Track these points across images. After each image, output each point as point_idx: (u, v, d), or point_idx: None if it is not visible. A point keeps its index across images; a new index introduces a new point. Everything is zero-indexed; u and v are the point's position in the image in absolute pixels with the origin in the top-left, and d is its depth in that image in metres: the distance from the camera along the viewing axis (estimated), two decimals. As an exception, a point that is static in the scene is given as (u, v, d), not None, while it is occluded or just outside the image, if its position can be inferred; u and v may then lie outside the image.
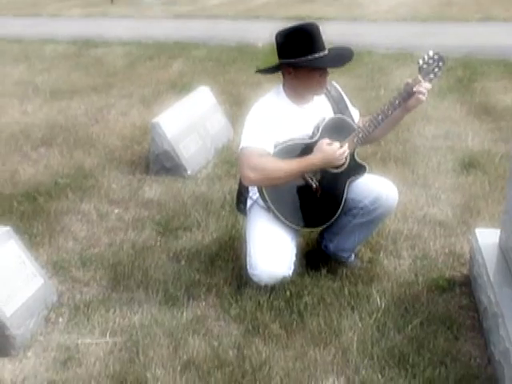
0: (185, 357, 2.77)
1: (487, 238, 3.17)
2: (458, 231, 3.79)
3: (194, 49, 9.32)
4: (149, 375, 2.66)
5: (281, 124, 3.12)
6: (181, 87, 7.12)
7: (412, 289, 3.23)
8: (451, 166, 4.86)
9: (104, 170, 4.82)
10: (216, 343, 2.85)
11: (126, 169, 4.88)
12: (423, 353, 2.72)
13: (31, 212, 4.09)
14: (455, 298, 3.17)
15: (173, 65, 8.59)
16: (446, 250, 3.60)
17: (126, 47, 9.59)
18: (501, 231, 3.06)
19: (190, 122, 5.03)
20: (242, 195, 3.39)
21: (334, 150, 3.07)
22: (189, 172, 4.77)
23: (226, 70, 8.14)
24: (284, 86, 3.22)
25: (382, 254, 3.56)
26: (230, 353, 2.76)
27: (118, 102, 6.73)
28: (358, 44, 9.31)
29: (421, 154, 5.17)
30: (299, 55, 3.02)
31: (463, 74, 7.49)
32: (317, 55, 3.01)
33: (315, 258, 3.43)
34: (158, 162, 4.81)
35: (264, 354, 2.75)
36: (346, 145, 3.13)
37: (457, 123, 5.86)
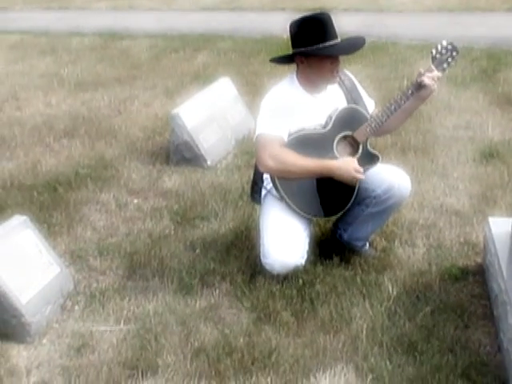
0: (196, 344, 2.81)
1: (500, 226, 3.15)
2: (473, 221, 3.77)
3: (219, 41, 9.34)
4: (160, 362, 2.71)
5: (294, 112, 3.14)
6: (204, 79, 7.13)
7: (424, 277, 3.23)
8: (471, 155, 4.83)
9: (125, 161, 4.87)
10: (228, 331, 2.89)
11: (146, 159, 4.94)
12: (432, 340, 2.73)
13: (51, 202, 4.17)
14: (468, 286, 3.16)
15: (197, 57, 8.63)
16: (461, 240, 3.58)
17: (151, 40, 9.64)
18: (513, 220, 3.05)
19: (210, 113, 5.05)
20: (256, 185, 3.42)
21: (356, 170, 3.10)
22: (209, 162, 4.80)
23: (251, 62, 8.14)
24: (297, 75, 3.23)
25: (396, 243, 3.56)
26: (241, 340, 2.80)
27: (142, 93, 6.79)
28: (383, 35, 9.32)
29: (441, 144, 5.14)
30: (310, 44, 3.04)
31: (487, 65, 7.40)
32: (327, 44, 3.03)
33: (329, 248, 3.44)
34: (178, 153, 4.85)
35: (274, 342, 2.78)
36: (363, 176, 3.14)
37: (479, 113, 5.80)
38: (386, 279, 3.17)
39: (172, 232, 3.83)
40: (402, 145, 5.05)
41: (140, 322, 3.01)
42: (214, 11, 12.39)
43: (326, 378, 2.56)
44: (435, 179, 4.41)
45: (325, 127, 3.20)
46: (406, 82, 6.83)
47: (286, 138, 3.10)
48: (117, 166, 4.75)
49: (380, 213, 3.28)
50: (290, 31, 3.15)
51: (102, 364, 2.74)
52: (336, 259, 3.31)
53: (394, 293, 3.07)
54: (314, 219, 3.36)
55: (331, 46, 3.04)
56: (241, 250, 3.52)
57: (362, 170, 3.12)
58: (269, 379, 2.56)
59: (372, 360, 2.63)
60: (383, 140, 5.14)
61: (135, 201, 4.26)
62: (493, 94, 6.39)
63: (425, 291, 3.10)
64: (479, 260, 3.37)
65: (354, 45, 3.15)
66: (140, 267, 3.47)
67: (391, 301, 3.01)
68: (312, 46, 3.04)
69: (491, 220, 3.26)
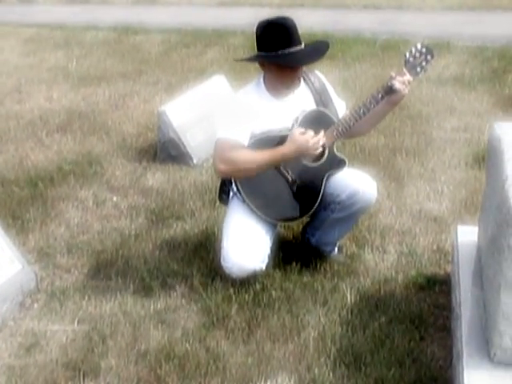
0: (143, 347, 2.78)
1: (467, 235, 3.05)
2: (451, 228, 3.66)
3: (231, 37, 9.27)
4: (103, 365, 2.68)
5: (258, 116, 3.07)
6: (209, 75, 7.09)
7: (388, 285, 3.15)
8: (463, 159, 4.71)
9: (111, 157, 4.86)
10: (179, 334, 2.85)
11: (134, 156, 4.92)
12: (382, 352, 2.66)
13: (30, 197, 4.17)
14: (432, 296, 3.07)
15: (207, 52, 8.58)
16: (434, 247, 3.49)
17: (164, 34, 9.61)
18: (478, 229, 2.95)
19: (199, 111, 5.00)
20: (225, 185, 3.36)
21: (307, 139, 2.99)
22: (195, 161, 4.76)
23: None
24: (263, 77, 3.16)
25: (366, 249, 3.48)
26: (187, 345, 2.75)
27: (144, 89, 6.77)
28: (397, 32, 9.17)
29: (435, 146, 5.03)
30: (271, 49, 2.97)
31: (498, 65, 7.23)
32: (287, 51, 2.95)
33: (296, 252, 3.37)
34: (165, 150, 4.82)
35: (221, 348, 2.74)
36: (322, 133, 3.04)
37: (480, 115, 5.66)
38: (346, 286, 3.10)
39: (144, 231, 3.79)
40: (393, 146, 4.96)
41: (93, 322, 2.99)
42: (232, 6, 12.33)
43: (265, 388, 2.50)
44: (421, 183, 4.32)
45: (290, 130, 3.13)
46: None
47: (245, 142, 3.03)
48: (102, 163, 4.74)
49: (346, 218, 3.21)
50: (256, 33, 3.08)
51: (46, 365, 2.72)
52: (299, 264, 3.24)
53: (352, 301, 3.00)
54: (278, 223, 3.28)
55: (291, 53, 2.95)
56: (208, 252, 3.48)
57: (311, 132, 3.00)
58: (206, 387, 2.51)
59: (316, 371, 2.57)
60: (374, 140, 5.06)
61: (114, 198, 4.25)
62: (498, 96, 6.24)
63: (385, 300, 3.02)
64: (449, 269, 3.28)
65: (315, 53, 3.05)
66: (105, 266, 3.45)
67: (347, 309, 2.94)
68: (273, 51, 2.96)
69: (460, 228, 3.17)
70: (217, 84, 5.42)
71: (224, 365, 2.63)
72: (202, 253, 3.48)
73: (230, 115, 3.13)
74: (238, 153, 2.99)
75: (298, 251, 3.38)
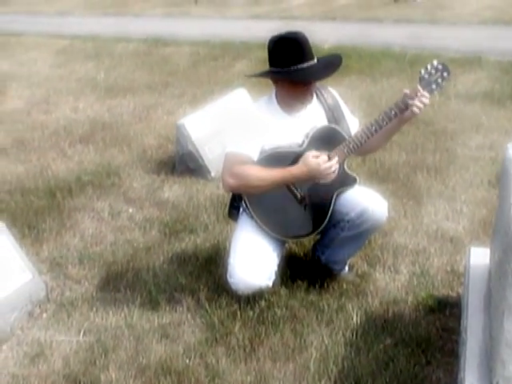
0: (144, 361, 2.77)
1: (480, 257, 2.98)
2: (467, 249, 3.59)
3: (260, 49, 9.28)
4: (103, 378, 2.68)
5: (269, 132, 3.05)
6: (234, 88, 7.10)
7: (397, 307, 3.09)
8: (486, 178, 4.62)
9: (130, 169, 4.89)
10: (180, 349, 2.84)
11: (153, 168, 4.94)
12: (385, 376, 2.60)
13: (47, 207, 4.21)
14: (442, 319, 3.00)
15: (235, 65, 8.62)
16: (448, 268, 3.42)
17: (193, 47, 9.70)
18: (490, 251, 2.88)
19: (219, 125, 5.00)
20: (235, 201, 3.35)
21: (319, 163, 2.95)
22: (212, 174, 4.76)
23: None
24: (276, 92, 3.15)
25: (378, 268, 3.43)
26: (187, 361, 2.73)
27: (168, 101, 6.81)
28: (428, 47, 9.09)
29: (458, 164, 4.95)
30: (284, 65, 2.95)
31: (529, 82, 7.12)
32: (300, 66, 2.92)
33: (305, 269, 3.33)
34: (183, 163, 4.84)
35: (221, 365, 2.71)
36: (336, 158, 3.01)
37: (508, 133, 5.55)
38: (352, 306, 3.05)
39: (156, 244, 3.80)
40: (414, 163, 4.90)
41: (98, 334, 2.99)
42: (263, 19, 12.39)
43: (261, 408, 2.47)
44: (440, 202, 4.25)
45: (301, 146, 3.10)
46: (437, 98, 6.66)
47: (254, 157, 3.01)
48: (120, 174, 4.76)
49: (355, 237, 3.16)
50: (268, 48, 3.06)
51: (48, 375, 2.73)
52: (306, 282, 3.20)
53: (358, 321, 2.95)
54: (286, 240, 3.25)
55: (303, 69, 2.93)
56: (217, 266, 3.46)
57: (326, 158, 2.97)
58: (203, 404, 2.49)
59: (315, 392, 2.52)
60: (396, 157, 5.02)
61: (130, 210, 4.26)
62: (528, 114, 6.13)
63: (393, 321, 2.96)
64: (462, 292, 3.21)
65: (327, 68, 3.02)
66: (115, 278, 3.45)
67: (353, 330, 2.89)
68: (285, 67, 2.94)
69: (473, 250, 3.10)
70: (238, 98, 5.42)
71: (223, 382, 2.60)
72: (212, 267, 3.46)
73: (240, 129, 3.11)
74: (247, 169, 2.97)
75: (307, 269, 3.34)
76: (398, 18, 11.84)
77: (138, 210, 4.25)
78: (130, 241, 3.84)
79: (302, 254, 3.55)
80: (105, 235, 3.93)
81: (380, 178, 4.61)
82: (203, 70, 8.43)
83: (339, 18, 12.18)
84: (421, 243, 3.69)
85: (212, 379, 2.62)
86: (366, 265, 3.46)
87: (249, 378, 2.62)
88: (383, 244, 3.64)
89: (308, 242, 3.52)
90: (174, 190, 4.55)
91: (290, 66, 2.93)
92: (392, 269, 3.44)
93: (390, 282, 3.31)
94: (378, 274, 3.38)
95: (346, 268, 3.37)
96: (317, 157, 2.97)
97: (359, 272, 3.39)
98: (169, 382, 2.61)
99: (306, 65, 2.93)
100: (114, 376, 2.68)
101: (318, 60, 3.00)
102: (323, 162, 2.96)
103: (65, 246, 3.79)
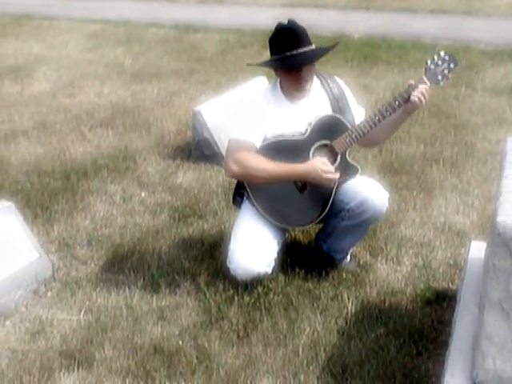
0: (138, 341, 2.83)
1: (479, 251, 2.97)
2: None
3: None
4: (97, 355, 2.75)
5: (272, 119, 3.08)
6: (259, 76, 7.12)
7: (395, 298, 3.10)
8: (502, 172, 4.56)
9: (147, 154, 4.94)
10: (175, 331, 2.89)
11: (169, 154, 4.99)
12: (373, 364, 2.62)
13: (61, 189, 4.28)
14: (438, 311, 3.01)
15: (264, 53, 8.57)
16: (451, 262, 3.41)
17: (223, 34, 9.70)
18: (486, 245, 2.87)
19: (235, 112, 5.01)
20: (239, 188, 3.38)
21: (324, 170, 3.00)
22: (227, 161, 4.78)
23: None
24: (279, 80, 3.17)
25: (380, 259, 3.43)
26: (180, 342, 2.79)
27: (192, 87, 6.85)
28: (461, 38, 8.97)
29: (476, 158, 4.90)
30: (276, 53, 3.01)
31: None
32: (290, 53, 2.96)
33: (306, 257, 3.36)
34: (198, 150, 4.88)
35: (213, 348, 2.76)
36: (338, 174, 3.05)
37: (531, 128, 5.48)
38: (348, 295, 3.06)
39: (165, 228, 3.85)
40: (431, 155, 4.87)
41: (97, 314, 3.05)
42: (296, 7, 12.30)
43: (248, 391, 2.51)
44: (452, 195, 4.22)
45: (303, 134, 3.12)
46: (463, 89, 6.60)
47: (258, 144, 3.04)
48: (136, 159, 4.82)
49: (355, 226, 3.18)
50: (268, 39, 3.10)
51: (46, 351, 2.80)
52: (305, 270, 3.23)
53: (353, 310, 2.97)
54: (286, 228, 3.27)
55: (294, 55, 2.96)
56: (221, 252, 3.49)
57: (332, 169, 3.02)
58: (191, 385, 2.54)
59: (302, 377, 2.56)
60: (413, 149, 5.00)
61: (142, 194, 4.32)
62: (554, 109, 6.03)
63: (388, 312, 2.97)
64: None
65: (316, 53, 3.04)
66: (121, 260, 3.52)
67: (346, 318, 2.91)
68: (279, 54, 2.99)
69: (473, 244, 3.09)
70: (257, 86, 5.42)
71: (212, 365, 2.65)
72: (216, 253, 3.50)
73: (244, 116, 3.15)
74: (252, 158, 3.00)
75: (308, 257, 3.37)
76: (434, 9, 11.67)
77: (150, 195, 4.31)
78: (139, 224, 3.90)
79: (305, 242, 3.56)
80: (115, 218, 3.99)
81: (394, 170, 4.60)
82: (231, 57, 8.44)
83: (373, 8, 12.06)
84: (426, 235, 3.68)
85: (202, 361, 2.67)
86: (368, 255, 3.47)
87: (238, 361, 2.66)
88: (388, 235, 3.64)
89: (313, 230, 3.54)
90: (187, 175, 4.60)
91: (282, 52, 2.97)
92: (394, 260, 3.44)
93: (390, 273, 3.32)
94: (379, 265, 3.39)
95: (348, 257, 3.39)
96: (325, 164, 3.00)
97: (361, 262, 3.40)
98: (160, 361, 2.66)
99: (297, 51, 2.96)
100: (108, 354, 2.74)
101: (316, 47, 3.02)
102: (328, 171, 3.01)
103: (75, 227, 3.86)
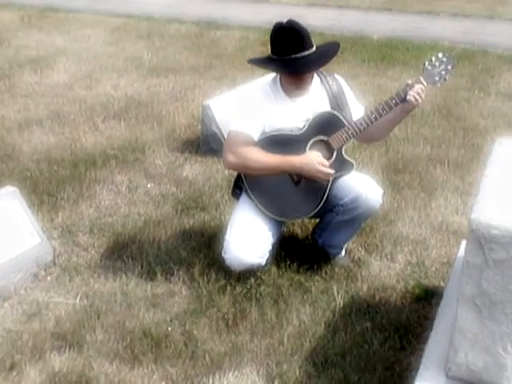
0: (128, 327, 2.90)
1: (468, 250, 3.00)
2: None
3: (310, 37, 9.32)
4: (88, 338, 2.83)
5: (271, 113, 3.14)
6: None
7: (385, 294, 3.15)
8: (507, 175, 4.57)
9: (157, 146, 5.02)
10: (166, 318, 2.96)
11: (178, 147, 5.06)
12: (355, 356, 2.67)
13: (69, 178, 4.38)
14: (426, 308, 3.04)
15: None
16: (445, 260, 3.45)
17: (244, 31, 9.76)
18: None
19: (245, 107, 5.08)
20: (239, 181, 3.44)
21: (320, 164, 3.07)
22: (234, 155, 4.84)
23: (331, 60, 8.06)
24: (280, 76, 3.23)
25: (374, 256, 3.47)
26: (169, 328, 2.86)
27: (208, 83, 6.92)
28: (480, 42, 8.93)
29: (481, 160, 4.88)
30: (278, 53, 3.06)
31: None
32: (299, 55, 3.01)
33: (302, 251, 3.42)
34: (207, 144, 4.95)
35: (201, 335, 2.82)
36: (332, 172, 3.11)
37: (541, 133, 5.46)
38: (338, 289, 3.11)
39: (167, 219, 3.92)
40: (436, 156, 4.89)
41: (93, 298, 3.14)
42: (319, 7, 12.34)
43: (229, 377, 2.57)
44: (453, 196, 4.24)
45: (301, 130, 3.18)
46: (476, 92, 6.59)
47: (256, 137, 3.11)
48: (145, 150, 4.90)
49: (349, 221, 3.23)
50: (270, 37, 3.14)
51: (39, 333, 2.89)
52: (299, 263, 3.28)
53: (341, 304, 3.01)
54: (281, 220, 3.33)
55: (302, 57, 3.01)
56: (219, 243, 3.55)
57: (327, 163, 3.07)
58: (175, 369, 2.61)
59: (284, 366, 2.62)
60: (419, 150, 5.02)
61: (148, 185, 4.40)
62: None
63: (376, 307, 3.02)
64: (448, 282, 3.23)
65: (320, 59, 3.09)
66: (121, 248, 3.60)
67: (334, 312, 2.97)
68: (280, 56, 3.03)
69: (463, 242, 3.12)
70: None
71: (198, 351, 2.72)
72: (214, 244, 3.56)
73: (244, 109, 3.21)
74: (249, 150, 3.07)
75: (303, 251, 3.42)
76: (456, 12, 11.62)
77: (156, 186, 4.38)
78: (142, 214, 3.98)
79: (302, 236, 3.61)
80: (119, 207, 4.08)
81: (398, 169, 4.63)
82: (250, 54, 8.45)
83: (395, 10, 12.03)
84: (423, 234, 3.72)
85: (189, 347, 2.73)
86: (363, 251, 3.51)
87: (223, 348, 2.73)
88: (385, 232, 3.68)
89: (310, 224, 3.59)
90: (194, 168, 4.67)
91: (291, 54, 3.00)
92: (388, 257, 3.48)
93: (383, 270, 3.36)
94: (373, 261, 3.43)
95: (343, 253, 3.44)
96: (320, 160, 3.08)
97: (355, 258, 3.44)
98: (148, 346, 2.74)
99: (305, 53, 3.00)
100: (99, 337, 2.83)
101: (316, 48, 3.07)
102: (323, 167, 3.07)
103: (79, 214, 3.95)
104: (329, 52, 3.12)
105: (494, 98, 6.57)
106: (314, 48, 3.05)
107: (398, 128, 5.16)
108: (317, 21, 10.84)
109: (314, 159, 3.06)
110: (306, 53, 3.02)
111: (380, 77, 7.48)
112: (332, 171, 3.09)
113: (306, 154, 3.09)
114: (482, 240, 2.02)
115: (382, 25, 10.49)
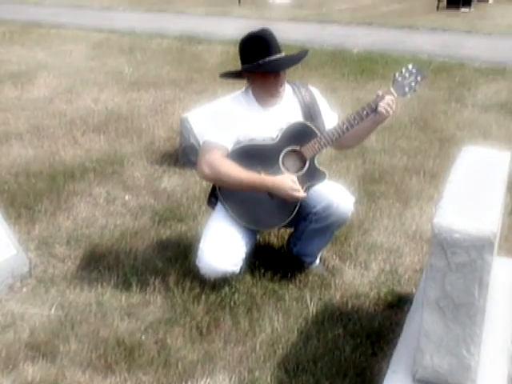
0: (102, 337, 2.91)
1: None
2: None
3: (288, 51, 9.40)
4: (62, 348, 2.83)
5: (243, 123, 3.18)
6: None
7: (358, 301, 3.18)
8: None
9: (135, 159, 5.06)
10: (140, 327, 2.98)
11: (157, 159, 5.10)
12: (327, 362, 2.69)
13: (47, 190, 4.39)
14: (398, 315, 3.07)
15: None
16: (417, 267, 3.49)
17: (225, 46, 9.84)
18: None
19: (223, 120, 5.12)
20: (214, 190, 3.47)
21: (292, 189, 3.11)
22: (212, 167, 4.87)
23: (311, 74, 8.15)
24: (252, 88, 3.28)
25: (348, 264, 3.51)
26: (143, 337, 2.88)
27: (188, 96, 6.97)
28: (457, 56, 9.08)
29: (455, 169, 4.96)
30: (252, 60, 3.10)
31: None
32: (267, 59, 3.06)
33: (277, 260, 3.45)
34: (185, 156, 4.98)
35: (174, 344, 2.84)
36: (304, 195, 3.16)
37: (515, 145, 5.54)
38: (311, 297, 3.14)
39: (145, 230, 3.95)
40: (412, 167, 4.97)
41: (68, 309, 3.14)
42: (300, 22, 12.51)
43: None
44: (427, 205, 4.29)
45: (274, 140, 3.22)
46: (452, 105, 6.69)
47: (229, 147, 3.15)
48: (124, 163, 4.94)
49: (322, 230, 3.26)
50: (239, 48, 3.21)
51: (13, 343, 2.89)
52: (273, 272, 3.31)
53: (314, 312, 3.05)
54: (256, 230, 3.36)
55: (271, 61, 3.07)
56: (195, 253, 3.57)
57: (299, 187, 3.12)
58: (148, 377, 2.63)
59: (256, 373, 2.64)
60: (396, 160, 5.08)
61: (126, 197, 4.42)
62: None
63: (349, 314, 3.05)
64: (421, 289, 3.27)
65: (292, 59, 3.16)
66: (97, 259, 3.61)
67: (307, 319, 2.99)
68: (254, 62, 3.08)
69: (435, 249, 3.15)
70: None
71: (171, 359, 2.73)
72: (190, 254, 3.58)
73: (217, 119, 3.25)
74: (224, 163, 3.11)
75: (279, 259, 3.45)
76: (435, 27, 11.82)
77: (134, 198, 4.41)
78: (120, 225, 4.00)
79: (277, 245, 3.65)
80: (96, 219, 4.10)
81: (374, 180, 4.69)
82: (231, 68, 8.38)
83: (375, 24, 12.20)
84: (397, 242, 3.76)
85: (162, 355, 2.75)
86: (338, 260, 3.55)
87: (196, 356, 2.75)
88: (359, 241, 3.73)
89: (285, 234, 3.62)
90: (172, 180, 4.70)
91: (259, 59, 3.06)
92: (362, 265, 3.52)
93: (357, 278, 3.39)
94: (347, 269, 3.47)
95: (317, 261, 3.47)
96: (294, 183, 3.12)
97: (330, 266, 3.48)
98: (121, 355, 2.75)
99: (273, 57, 3.06)
100: (72, 347, 2.84)
101: (285, 55, 3.14)
102: (295, 190, 3.12)
103: (56, 226, 3.97)
104: (297, 56, 3.18)
105: (471, 109, 6.68)
106: (283, 54, 3.11)
107: (375, 139, 5.26)
108: (298, 35, 10.99)
109: (286, 184, 3.10)
110: (274, 57, 3.07)
111: (359, 90, 7.57)
112: (304, 195, 3.13)
113: (280, 177, 3.13)
114: (444, 244, 2.06)
115: (362, 39, 10.64)
